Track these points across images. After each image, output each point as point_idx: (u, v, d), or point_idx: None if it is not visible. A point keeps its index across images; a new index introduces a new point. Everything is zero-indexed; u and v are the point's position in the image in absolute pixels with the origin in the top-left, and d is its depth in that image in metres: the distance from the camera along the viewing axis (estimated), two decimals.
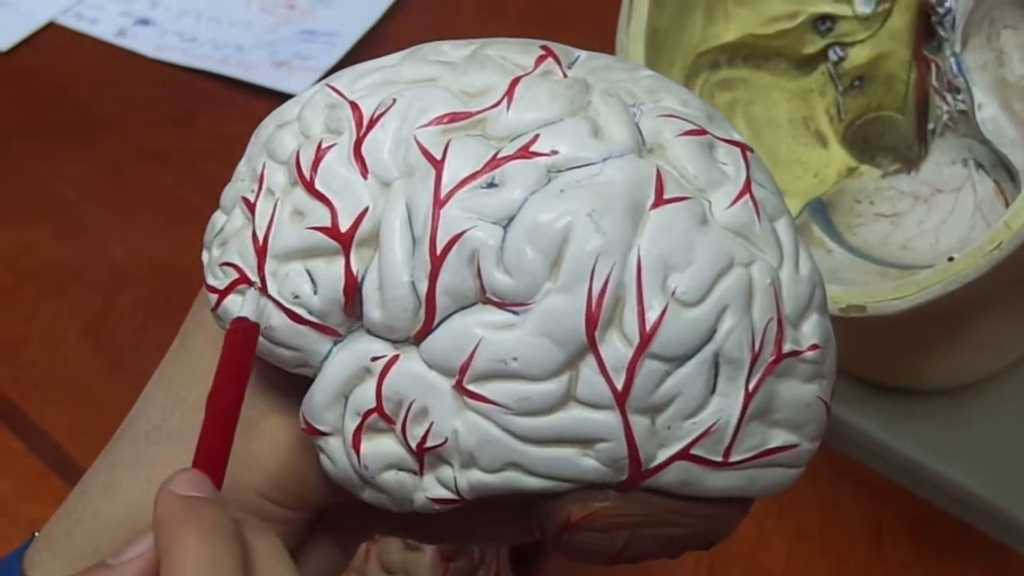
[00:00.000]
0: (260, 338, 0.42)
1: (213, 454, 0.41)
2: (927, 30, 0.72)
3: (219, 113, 0.99)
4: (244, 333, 0.41)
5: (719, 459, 0.40)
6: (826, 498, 0.76)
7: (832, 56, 0.74)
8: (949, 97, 0.72)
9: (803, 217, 0.73)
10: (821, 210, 0.74)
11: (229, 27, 1.05)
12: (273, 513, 0.44)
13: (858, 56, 0.74)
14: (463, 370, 0.39)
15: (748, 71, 0.75)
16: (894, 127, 0.75)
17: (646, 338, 0.38)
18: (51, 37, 1.07)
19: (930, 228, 0.72)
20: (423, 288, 0.39)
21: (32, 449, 0.81)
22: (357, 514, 0.47)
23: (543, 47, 0.44)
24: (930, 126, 0.73)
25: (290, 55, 1.02)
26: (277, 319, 0.41)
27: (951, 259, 0.62)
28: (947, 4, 0.70)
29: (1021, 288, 0.72)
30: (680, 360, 0.39)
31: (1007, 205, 0.64)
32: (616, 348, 0.39)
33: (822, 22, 0.74)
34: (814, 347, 0.42)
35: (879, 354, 0.78)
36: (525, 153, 0.40)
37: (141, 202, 0.94)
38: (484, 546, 0.70)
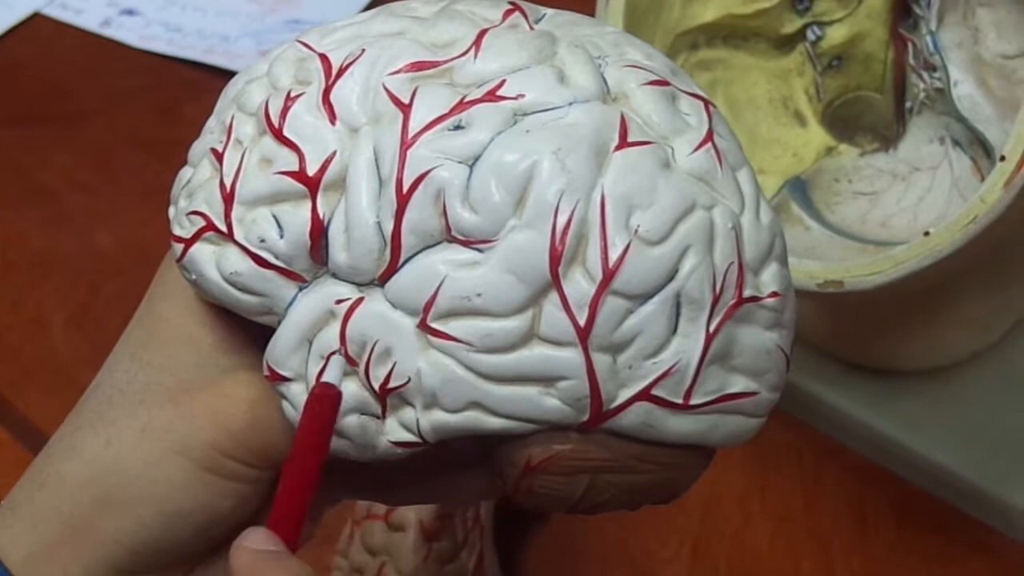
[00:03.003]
0: (225, 285, 0.42)
1: (287, 522, 0.40)
2: (903, 8, 0.72)
3: (205, 102, 0.97)
4: (328, 400, 0.41)
5: (680, 401, 0.40)
6: (809, 480, 0.77)
7: (810, 35, 0.75)
8: (926, 75, 0.72)
9: (782, 195, 0.73)
10: (800, 188, 0.74)
11: (215, 17, 1.06)
12: (236, 472, 0.45)
13: (836, 35, 0.74)
14: (427, 308, 0.39)
15: (727, 51, 0.75)
16: (872, 107, 0.75)
17: (609, 274, 0.39)
18: (36, 28, 1.07)
19: (908, 206, 0.72)
20: (389, 228, 0.40)
21: (17, 437, 0.81)
22: (321, 477, 0.48)
23: (510, 2, 0.45)
24: (907, 104, 0.74)
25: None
26: (243, 264, 0.42)
27: (927, 234, 0.62)
28: None
29: (998, 265, 0.73)
30: (642, 298, 0.39)
31: (983, 181, 0.64)
32: (579, 284, 0.39)
33: (800, 1, 0.74)
34: (774, 294, 0.42)
35: (861, 334, 0.78)
36: (491, 97, 0.40)
37: (127, 191, 0.95)
38: (456, 508, 0.70)
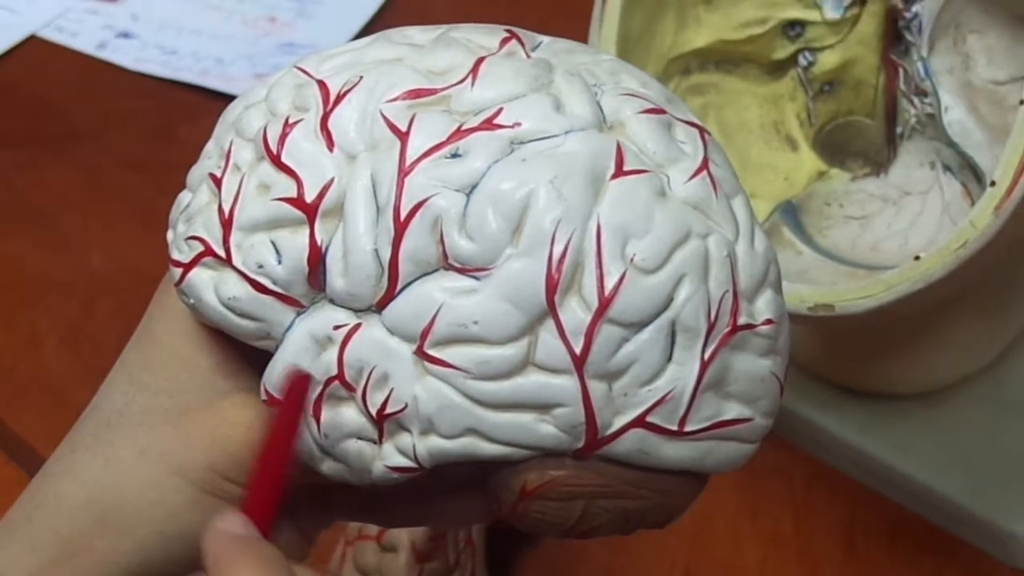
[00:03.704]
0: (223, 310, 0.43)
1: (261, 508, 0.41)
2: (895, 35, 0.73)
3: (199, 124, 0.97)
4: (299, 386, 0.42)
5: (674, 428, 0.41)
6: (800, 502, 0.77)
7: (802, 61, 0.75)
8: (917, 101, 0.73)
9: (773, 219, 0.74)
10: (791, 212, 0.74)
11: (209, 40, 1.06)
12: (233, 493, 0.45)
13: (827, 61, 0.75)
14: (424, 335, 0.40)
15: (719, 76, 0.76)
16: (864, 132, 0.76)
17: (604, 303, 0.39)
18: (32, 50, 1.07)
19: (899, 230, 0.73)
20: (386, 255, 0.40)
21: (11, 456, 0.81)
22: (316, 498, 0.48)
23: (507, 30, 0.45)
24: (898, 130, 0.74)
25: (270, 67, 1.02)
26: (241, 289, 0.42)
27: (918, 258, 0.62)
28: (914, 9, 0.71)
29: (989, 290, 0.73)
30: (637, 326, 0.40)
31: (974, 206, 0.64)
32: (575, 313, 0.39)
33: (792, 27, 0.75)
34: (768, 322, 0.42)
35: (852, 358, 0.78)
36: (488, 125, 0.41)
37: (121, 212, 0.95)
38: (448, 529, 0.70)
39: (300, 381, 0.42)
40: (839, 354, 0.78)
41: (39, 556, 0.44)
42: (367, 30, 1.05)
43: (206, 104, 1.01)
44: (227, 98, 1.00)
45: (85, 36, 1.07)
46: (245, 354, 0.45)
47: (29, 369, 0.86)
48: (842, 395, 0.78)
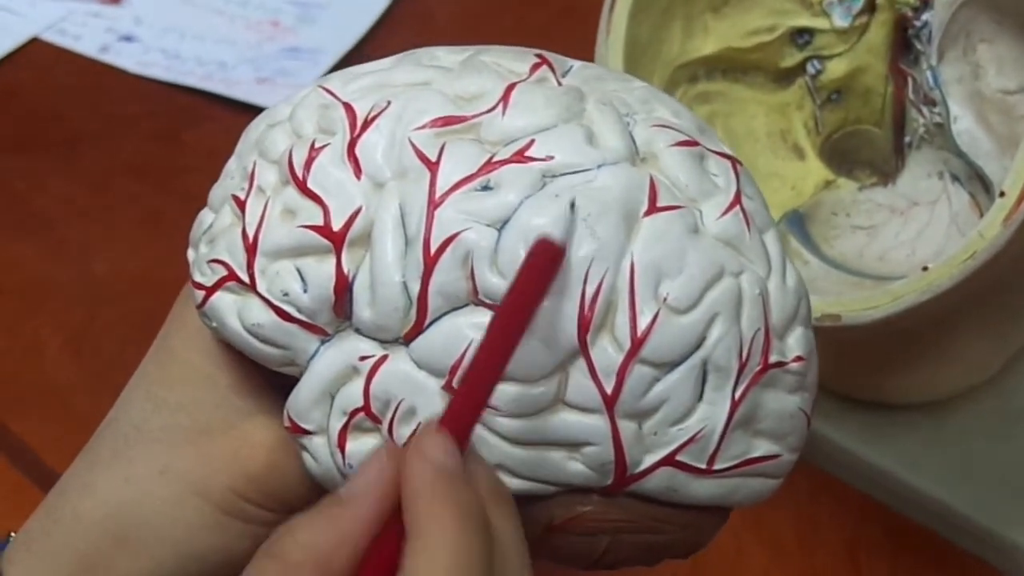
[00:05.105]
0: (247, 336, 0.42)
1: (464, 417, 0.37)
2: (904, 43, 0.73)
3: (202, 129, 0.98)
4: (550, 256, 0.38)
5: (703, 466, 0.41)
6: (804, 513, 0.76)
7: (810, 69, 0.75)
8: (925, 110, 0.73)
9: (780, 229, 0.74)
10: (798, 222, 0.74)
11: (213, 44, 1.05)
12: (253, 515, 0.45)
13: (836, 69, 0.75)
14: (453, 371, 0.39)
15: (726, 84, 0.75)
16: (871, 141, 0.75)
17: (637, 343, 0.39)
18: (34, 53, 1.07)
19: (906, 240, 0.73)
20: (415, 288, 0.40)
21: (13, 462, 0.80)
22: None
23: (537, 55, 0.45)
24: (906, 139, 0.74)
25: (273, 72, 1.01)
26: (265, 317, 0.42)
27: (925, 269, 0.62)
28: (923, 17, 0.71)
29: (996, 301, 0.73)
30: (669, 366, 0.39)
31: (982, 217, 0.64)
32: (607, 352, 0.39)
33: (800, 35, 0.74)
34: (799, 359, 0.42)
35: (858, 368, 0.78)
36: (520, 158, 0.40)
37: (124, 217, 0.94)
38: None
39: (551, 249, 0.37)
40: (845, 364, 0.78)
41: (57, 572, 0.45)
42: (370, 35, 1.05)
43: (209, 109, 1.00)
44: (231, 103, 1.00)
45: (88, 39, 1.06)
46: (263, 372, 0.45)
47: (32, 375, 0.86)
48: (847, 406, 0.78)
